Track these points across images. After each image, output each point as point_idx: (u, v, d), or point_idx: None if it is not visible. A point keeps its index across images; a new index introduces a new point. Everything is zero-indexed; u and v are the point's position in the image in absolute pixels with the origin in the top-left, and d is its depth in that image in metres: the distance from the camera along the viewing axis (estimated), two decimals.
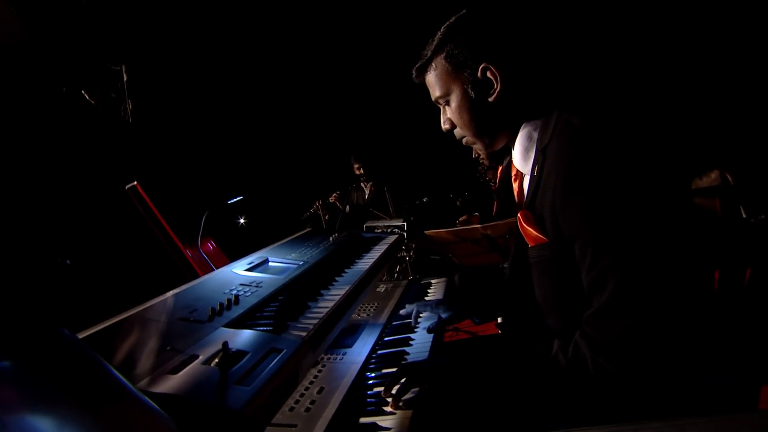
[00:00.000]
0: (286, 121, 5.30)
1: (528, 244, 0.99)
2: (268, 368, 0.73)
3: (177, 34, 3.99)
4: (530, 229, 0.96)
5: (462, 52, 0.98)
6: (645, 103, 3.57)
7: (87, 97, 2.46)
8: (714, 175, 1.81)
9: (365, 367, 1.15)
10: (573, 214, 0.85)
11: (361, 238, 1.87)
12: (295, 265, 1.32)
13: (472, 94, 1.00)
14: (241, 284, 1.11)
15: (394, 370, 1.01)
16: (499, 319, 1.35)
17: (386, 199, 4.21)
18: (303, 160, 5.44)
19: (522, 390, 0.90)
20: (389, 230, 2.39)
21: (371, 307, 1.61)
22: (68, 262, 1.36)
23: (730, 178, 1.77)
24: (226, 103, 4.76)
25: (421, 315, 1.42)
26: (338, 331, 1.05)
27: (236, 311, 0.94)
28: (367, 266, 1.40)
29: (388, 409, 0.94)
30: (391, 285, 1.89)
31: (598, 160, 0.83)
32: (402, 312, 1.49)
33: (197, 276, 1.23)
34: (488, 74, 0.97)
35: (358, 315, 1.54)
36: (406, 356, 1.20)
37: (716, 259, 1.20)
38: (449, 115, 1.07)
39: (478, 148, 1.12)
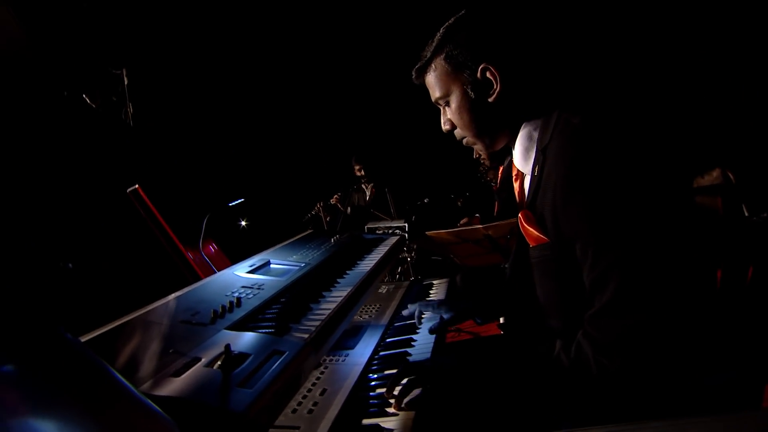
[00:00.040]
0: (287, 123, 5.31)
1: (529, 245, 0.99)
2: (270, 370, 0.73)
3: (178, 37, 4.00)
4: (531, 229, 0.96)
5: (461, 53, 0.99)
6: (645, 102, 3.57)
7: (88, 100, 2.46)
8: (715, 173, 1.81)
9: (368, 368, 1.15)
10: (574, 214, 0.85)
11: (362, 239, 1.87)
12: (297, 267, 1.32)
13: (472, 95, 1.00)
14: (243, 286, 1.11)
15: (397, 371, 1.01)
16: (501, 320, 1.35)
17: (387, 200, 4.21)
18: (304, 162, 5.45)
19: (524, 390, 0.90)
20: (390, 231, 2.39)
21: (373, 308, 1.61)
22: (70, 265, 1.36)
23: (731, 176, 1.77)
24: (227, 105, 4.77)
25: (423, 315, 1.42)
26: (340, 333, 1.05)
27: (238, 313, 0.94)
28: (369, 267, 1.40)
29: (391, 410, 0.94)
30: (393, 286, 1.89)
31: (599, 160, 0.83)
32: (404, 312, 1.49)
33: (199, 278, 1.23)
34: (488, 74, 0.97)
35: (360, 316, 1.53)
36: (408, 357, 1.20)
37: (718, 257, 1.20)
38: (449, 115, 1.07)
39: (478, 149, 1.12)
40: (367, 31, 4.54)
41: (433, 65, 1.04)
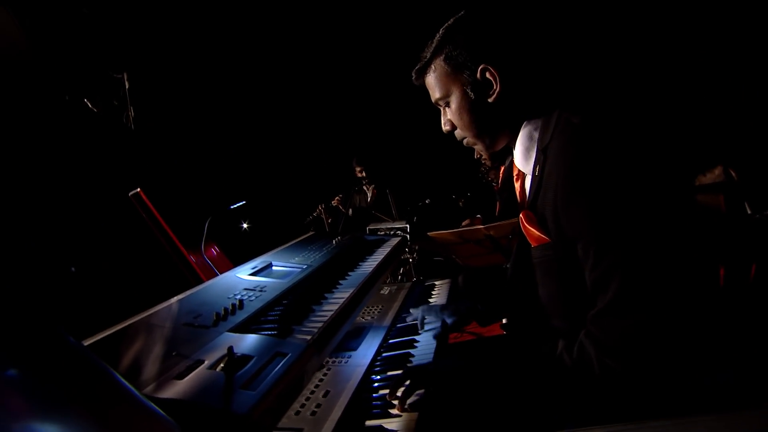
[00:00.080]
0: (288, 125, 5.32)
1: (531, 245, 0.99)
2: (273, 372, 0.73)
3: (178, 41, 4.01)
4: (532, 229, 0.96)
5: (461, 54, 0.99)
6: (646, 101, 3.56)
7: (89, 105, 2.48)
8: (717, 171, 1.80)
9: (370, 369, 1.15)
10: (575, 214, 0.85)
11: (364, 240, 1.87)
12: (299, 269, 1.32)
13: (472, 95, 1.00)
14: (245, 289, 1.11)
15: (400, 372, 1.01)
16: (504, 320, 1.34)
17: (389, 201, 4.22)
18: (305, 164, 5.46)
19: (527, 390, 0.90)
20: (392, 232, 2.39)
21: (375, 309, 1.61)
22: (73, 269, 1.36)
23: (733, 174, 1.76)
24: (228, 108, 4.78)
25: (426, 320, 1.41)
26: (343, 335, 1.05)
27: (241, 316, 0.94)
28: (371, 269, 1.40)
29: (394, 411, 0.94)
30: (395, 287, 1.89)
31: (599, 160, 0.83)
32: (408, 319, 1.48)
33: (201, 281, 1.23)
34: (487, 75, 0.97)
35: (363, 317, 1.53)
36: (411, 358, 1.20)
37: (721, 255, 1.20)
38: (449, 116, 1.07)
39: (479, 149, 1.12)
40: (367, 32, 4.55)
41: (432, 66, 1.04)
